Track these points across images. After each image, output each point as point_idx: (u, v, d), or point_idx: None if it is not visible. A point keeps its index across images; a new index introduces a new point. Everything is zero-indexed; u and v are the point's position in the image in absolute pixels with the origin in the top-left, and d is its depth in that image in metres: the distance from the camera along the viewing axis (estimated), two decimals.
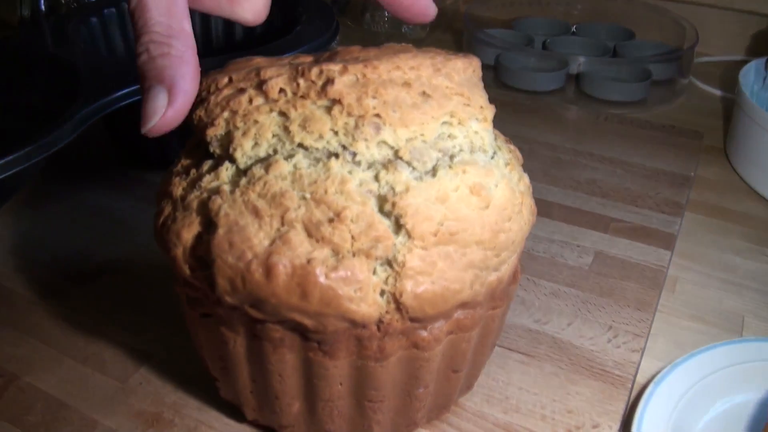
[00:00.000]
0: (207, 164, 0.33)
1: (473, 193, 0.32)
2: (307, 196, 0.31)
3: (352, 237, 0.31)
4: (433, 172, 0.32)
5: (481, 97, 0.34)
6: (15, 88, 0.56)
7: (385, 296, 0.31)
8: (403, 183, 0.31)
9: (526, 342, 0.45)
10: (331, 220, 0.31)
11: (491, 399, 0.41)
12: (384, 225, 0.31)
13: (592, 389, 0.42)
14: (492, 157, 0.34)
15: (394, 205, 0.31)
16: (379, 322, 0.32)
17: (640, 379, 0.44)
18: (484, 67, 0.77)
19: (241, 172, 0.33)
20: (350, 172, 0.31)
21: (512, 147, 0.37)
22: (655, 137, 0.67)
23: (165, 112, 0.30)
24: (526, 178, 0.36)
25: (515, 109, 0.72)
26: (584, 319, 0.47)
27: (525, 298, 0.48)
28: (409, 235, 0.31)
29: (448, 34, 0.95)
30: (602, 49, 0.83)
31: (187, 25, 0.31)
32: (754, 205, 0.60)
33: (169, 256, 0.34)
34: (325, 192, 0.31)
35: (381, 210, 0.31)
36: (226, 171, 0.33)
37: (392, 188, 0.31)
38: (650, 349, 0.46)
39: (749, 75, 0.67)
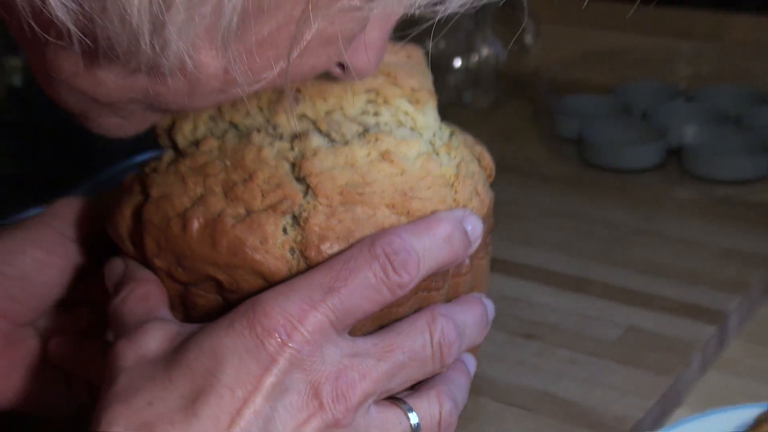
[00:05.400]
0: (156, 158, 0.39)
1: (384, 159, 0.36)
2: (228, 163, 0.36)
3: (263, 195, 0.35)
4: (347, 142, 0.36)
5: (416, 81, 0.38)
6: (19, 160, 0.62)
7: (295, 255, 0.35)
8: (313, 149, 0.36)
9: (528, 399, 0.48)
10: (245, 181, 0.35)
11: None
12: (293, 185, 0.35)
13: None
14: (428, 140, 0.38)
15: (301, 168, 0.35)
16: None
17: None
18: (568, 142, 0.78)
19: (178, 154, 0.38)
20: (270, 143, 0.36)
21: (480, 151, 0.41)
22: (746, 217, 0.66)
23: None
24: (471, 168, 0.39)
25: (600, 191, 0.72)
26: (596, 382, 0.49)
27: (537, 364, 0.50)
28: (314, 194, 0.35)
29: (523, 101, 0.89)
30: (719, 117, 0.78)
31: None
32: None
33: (118, 240, 0.38)
34: (243, 158, 0.36)
35: (294, 174, 0.36)
36: (167, 155, 0.38)
37: (302, 154, 0.36)
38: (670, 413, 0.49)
39: None
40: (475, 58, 0.87)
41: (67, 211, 0.43)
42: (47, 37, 0.29)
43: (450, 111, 0.87)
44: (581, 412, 0.47)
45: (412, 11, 0.30)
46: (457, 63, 0.86)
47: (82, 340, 0.43)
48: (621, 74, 0.88)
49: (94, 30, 0.28)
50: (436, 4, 0.29)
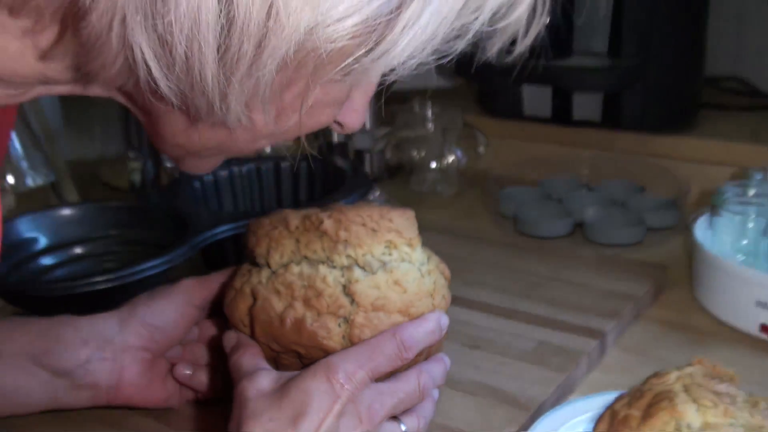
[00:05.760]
0: (255, 270, 0.54)
1: (396, 284, 0.52)
2: (305, 284, 0.51)
3: (327, 305, 0.50)
4: (374, 272, 0.51)
5: (411, 232, 0.53)
6: (140, 230, 0.79)
7: (345, 339, 0.51)
8: (355, 278, 0.51)
9: (472, 387, 0.61)
10: (316, 296, 0.50)
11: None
12: (344, 299, 0.51)
13: (506, 411, 0.58)
14: (418, 268, 0.53)
15: (349, 289, 0.51)
16: None
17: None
18: (507, 218, 0.93)
19: (272, 272, 0.53)
20: (330, 272, 0.51)
21: (443, 267, 0.56)
22: (625, 269, 0.78)
23: None
24: (440, 281, 0.55)
25: (527, 251, 0.85)
26: (517, 376, 0.61)
27: (478, 364, 0.63)
28: (357, 305, 0.50)
29: (476, 191, 1.03)
30: (610, 202, 0.93)
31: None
32: (705, 322, 0.72)
33: (233, 322, 0.53)
34: (314, 282, 0.51)
35: (344, 292, 0.51)
36: (265, 272, 0.53)
37: (350, 280, 0.51)
38: (566, 397, 0.62)
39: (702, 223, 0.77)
40: (445, 162, 1.03)
41: (190, 286, 0.58)
42: (160, 106, 0.37)
43: (428, 198, 1.05)
44: (506, 395, 0.58)
45: (377, 81, 0.38)
46: (433, 165, 1.04)
47: (194, 366, 0.58)
48: (544, 173, 1.02)
49: (187, 101, 0.35)
50: (385, 75, 0.36)
